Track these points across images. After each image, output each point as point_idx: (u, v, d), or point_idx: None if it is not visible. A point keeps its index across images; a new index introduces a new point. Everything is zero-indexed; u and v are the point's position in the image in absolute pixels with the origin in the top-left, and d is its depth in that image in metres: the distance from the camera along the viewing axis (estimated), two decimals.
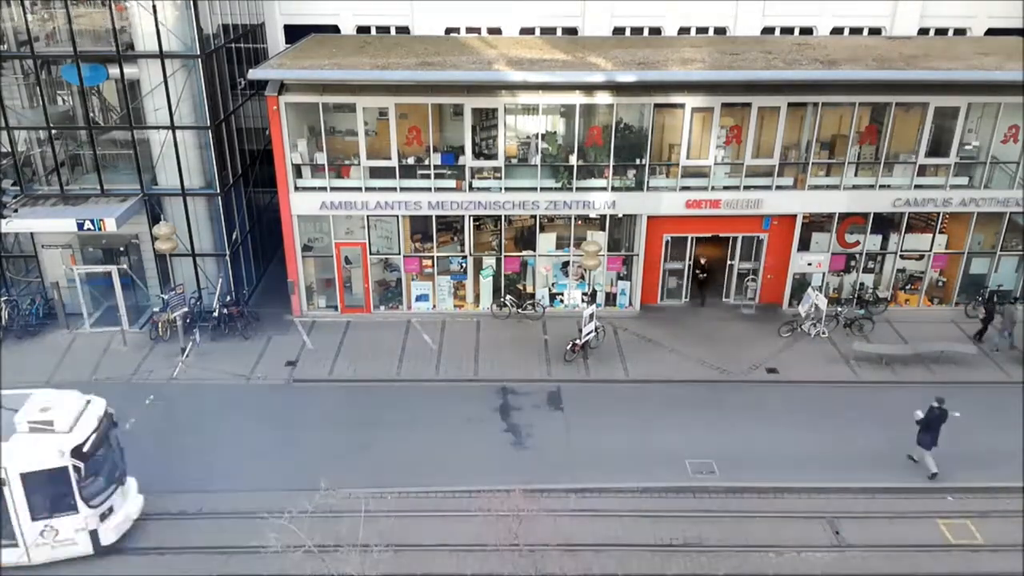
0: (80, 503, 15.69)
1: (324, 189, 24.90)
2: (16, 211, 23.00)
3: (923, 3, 30.83)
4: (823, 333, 25.29)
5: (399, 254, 26.05)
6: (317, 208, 25.03)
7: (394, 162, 24.72)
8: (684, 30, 30.83)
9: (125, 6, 23.07)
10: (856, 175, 25.62)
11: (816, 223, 26.31)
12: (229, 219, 26.15)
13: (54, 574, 16.26)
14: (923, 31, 31.28)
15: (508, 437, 20.60)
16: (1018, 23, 31.09)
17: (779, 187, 25.46)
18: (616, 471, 19.10)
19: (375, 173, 24.98)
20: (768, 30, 30.96)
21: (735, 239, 26.48)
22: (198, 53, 23.57)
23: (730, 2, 30.40)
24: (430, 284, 26.52)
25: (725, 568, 16.53)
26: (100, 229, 23.56)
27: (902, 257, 26.81)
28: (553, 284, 26.93)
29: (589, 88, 24.07)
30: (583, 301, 25.46)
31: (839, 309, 26.13)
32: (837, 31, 31.16)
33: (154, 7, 22.80)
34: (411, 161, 25.02)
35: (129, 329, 25.16)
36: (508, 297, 26.50)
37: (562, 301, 26.98)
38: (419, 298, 26.75)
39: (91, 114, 24.78)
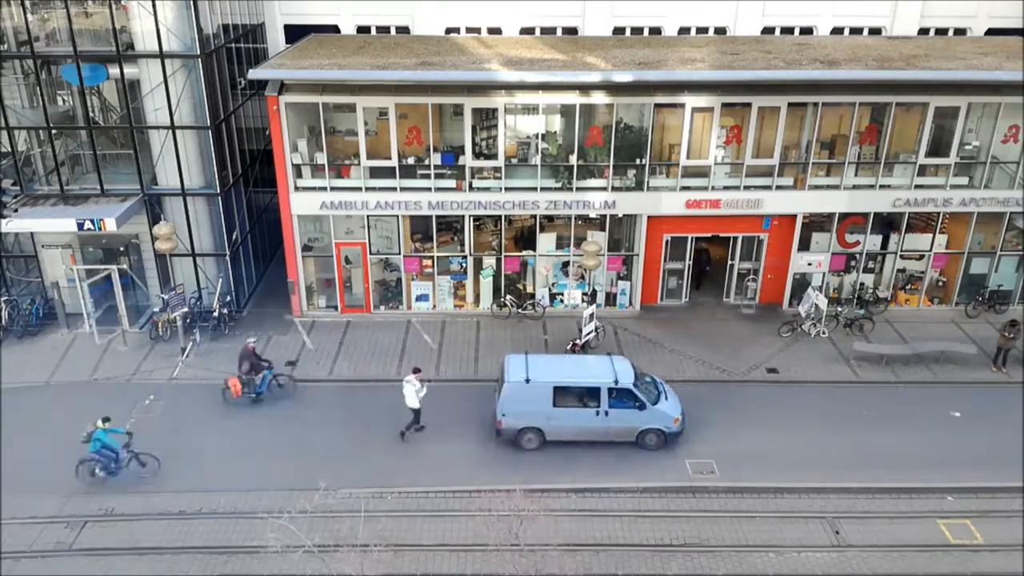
0: None
1: (324, 189, 24.90)
2: (16, 211, 23.00)
3: (923, 3, 30.83)
4: (823, 333, 25.29)
5: (399, 254, 26.04)
6: (317, 208, 25.04)
7: (394, 162, 24.71)
8: (684, 30, 30.84)
9: (126, 5, 23.05)
10: (856, 175, 25.61)
11: (816, 223, 26.31)
12: (229, 219, 26.12)
13: (49, 572, 16.30)
14: (923, 31, 31.28)
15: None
16: (1018, 23, 31.09)
17: (779, 187, 25.45)
18: (616, 471, 19.11)
19: (375, 173, 24.98)
20: (768, 30, 30.96)
21: (735, 239, 26.50)
22: (198, 53, 23.55)
23: (730, 2, 30.41)
24: (430, 284, 26.51)
25: (725, 568, 16.55)
26: (100, 229, 23.55)
27: (902, 257, 26.80)
28: (553, 284, 26.92)
29: (589, 88, 24.06)
30: (583, 301, 25.46)
31: (839, 309, 26.13)
32: (837, 31, 31.15)
33: (154, 7, 22.78)
34: (411, 161, 25.01)
35: (129, 329, 25.16)
36: (508, 297, 26.49)
37: (562, 301, 26.95)
38: (419, 298, 26.74)
39: (91, 114, 24.77)
